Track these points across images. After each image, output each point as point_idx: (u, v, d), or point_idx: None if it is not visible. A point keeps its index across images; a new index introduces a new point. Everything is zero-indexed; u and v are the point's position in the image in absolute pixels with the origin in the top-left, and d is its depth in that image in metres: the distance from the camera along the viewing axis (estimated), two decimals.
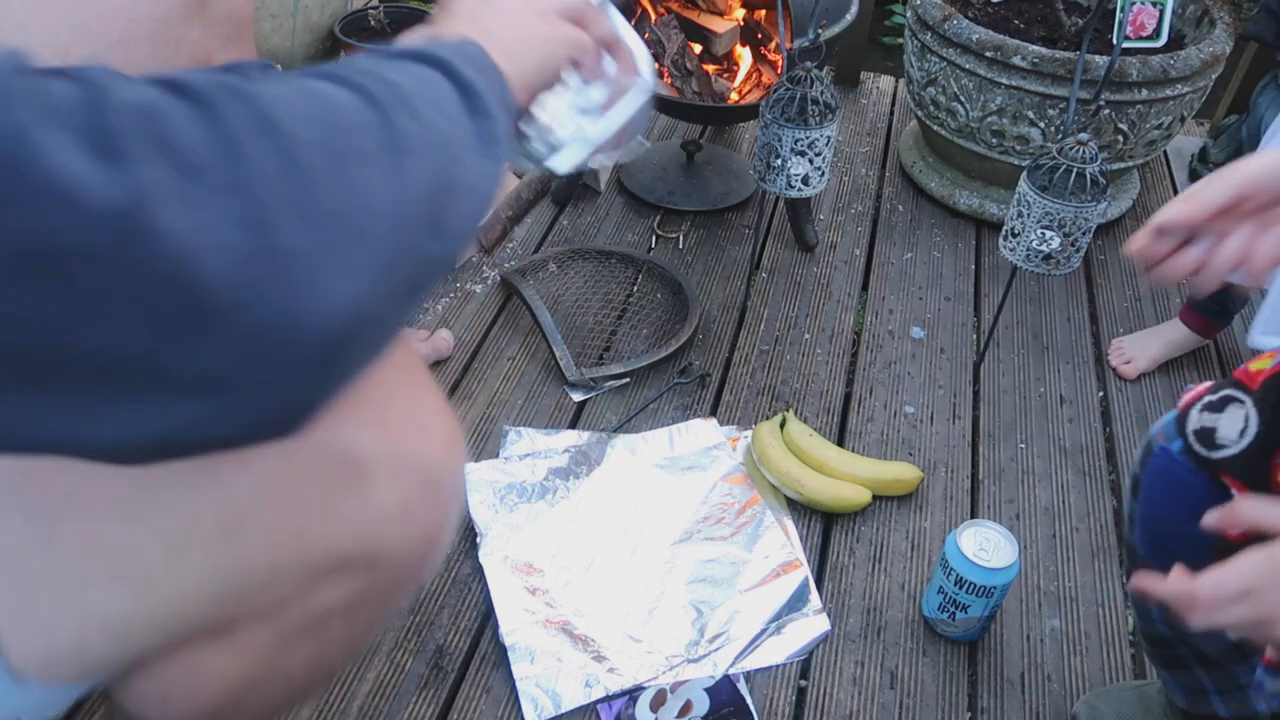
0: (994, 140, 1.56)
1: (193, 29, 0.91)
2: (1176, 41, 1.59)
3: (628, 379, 1.32)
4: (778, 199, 1.67)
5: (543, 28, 0.62)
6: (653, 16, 1.58)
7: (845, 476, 1.17)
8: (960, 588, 0.98)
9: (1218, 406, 0.71)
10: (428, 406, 0.59)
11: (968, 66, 1.51)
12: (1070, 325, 1.48)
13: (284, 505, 0.53)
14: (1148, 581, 0.59)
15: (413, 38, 0.59)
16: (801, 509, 1.17)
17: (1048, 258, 1.15)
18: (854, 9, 1.44)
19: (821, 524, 1.16)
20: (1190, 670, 0.81)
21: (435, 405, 0.60)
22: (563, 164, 0.64)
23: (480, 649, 1.01)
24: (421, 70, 0.52)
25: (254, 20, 1.82)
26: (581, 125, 0.65)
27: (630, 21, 1.58)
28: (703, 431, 1.24)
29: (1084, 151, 1.09)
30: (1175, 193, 1.81)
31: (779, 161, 1.23)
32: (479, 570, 1.06)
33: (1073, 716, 0.97)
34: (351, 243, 0.43)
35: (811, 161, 1.23)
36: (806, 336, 1.43)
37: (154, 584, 0.52)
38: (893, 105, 2.03)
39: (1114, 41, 1.16)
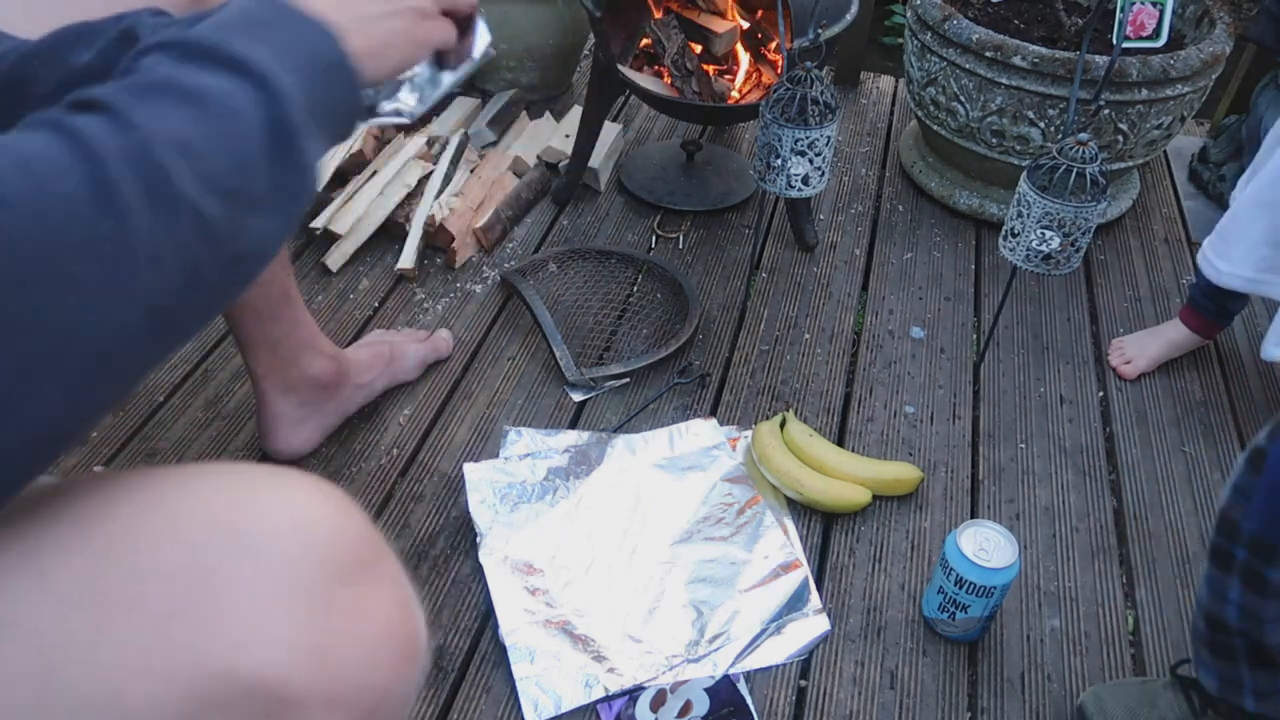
0: (994, 140, 1.56)
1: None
2: (1176, 41, 1.59)
3: (628, 379, 1.32)
4: (778, 199, 1.67)
5: (416, 31, 0.62)
6: (657, 13, 1.58)
7: (845, 476, 1.17)
8: (960, 588, 0.98)
9: None
10: (380, 617, 0.52)
11: (968, 66, 1.51)
12: (1070, 325, 1.48)
13: None
14: None
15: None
16: (801, 509, 1.17)
17: (1048, 258, 1.15)
18: (854, 9, 1.44)
19: (821, 524, 1.16)
20: (1236, 663, 0.81)
21: (389, 616, 0.53)
22: (404, 117, 0.67)
23: (480, 649, 1.01)
24: (223, 93, 0.48)
25: None
26: (425, 93, 0.68)
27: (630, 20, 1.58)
28: (703, 431, 1.24)
29: (1084, 151, 1.09)
30: (1175, 193, 1.82)
31: (779, 161, 1.23)
32: (479, 570, 1.06)
33: (1078, 707, 0.97)
34: (36, 379, 0.41)
35: (811, 161, 1.23)
36: (806, 336, 1.43)
37: None
38: (893, 105, 2.03)
39: (1114, 41, 1.16)
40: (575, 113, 1.78)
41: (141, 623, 0.46)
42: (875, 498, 1.17)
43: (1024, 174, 1.14)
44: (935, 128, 1.64)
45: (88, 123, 0.43)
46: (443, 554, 1.10)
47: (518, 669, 0.97)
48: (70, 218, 0.41)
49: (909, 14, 1.64)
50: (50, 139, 0.42)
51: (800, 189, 1.25)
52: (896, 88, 2.09)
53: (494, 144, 1.77)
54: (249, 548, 0.48)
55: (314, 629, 0.48)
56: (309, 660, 0.48)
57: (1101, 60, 1.43)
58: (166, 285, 0.45)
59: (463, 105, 1.85)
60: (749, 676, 1.00)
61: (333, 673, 0.49)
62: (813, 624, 1.05)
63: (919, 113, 1.69)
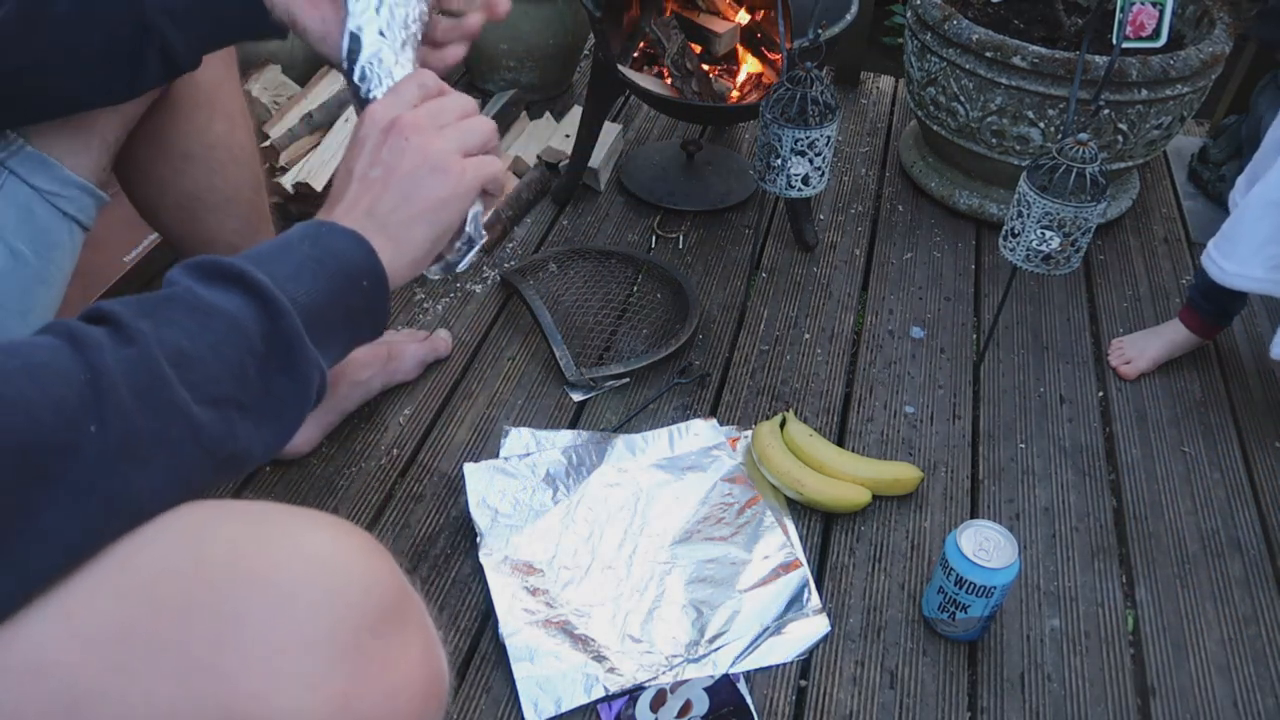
0: (994, 140, 1.56)
1: None
2: (1176, 41, 1.59)
3: (628, 379, 1.32)
4: (778, 199, 1.67)
5: (441, 191, 0.64)
6: (667, 8, 1.57)
7: (845, 476, 1.17)
8: (960, 588, 0.98)
9: None
10: (404, 663, 0.52)
11: (968, 66, 1.51)
12: (1070, 325, 1.48)
13: None
14: None
15: (289, 233, 0.60)
16: (801, 509, 1.17)
17: (1047, 258, 1.15)
18: (854, 9, 1.44)
19: (821, 524, 1.16)
20: None
21: (413, 661, 0.53)
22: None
23: (480, 649, 1.01)
24: (228, 308, 0.52)
25: None
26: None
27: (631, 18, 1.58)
28: (703, 432, 1.24)
29: (1084, 151, 1.09)
30: (1175, 193, 1.82)
31: (779, 161, 1.23)
32: (478, 570, 1.06)
33: None
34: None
35: (811, 161, 1.23)
36: (806, 336, 1.43)
37: None
38: (893, 105, 2.04)
39: (1114, 41, 1.16)
40: (575, 113, 1.78)
41: (167, 667, 0.46)
42: (875, 498, 1.17)
43: (1024, 174, 1.14)
44: (935, 128, 1.64)
45: (97, 334, 0.48)
46: (443, 554, 1.10)
47: (518, 669, 0.97)
48: (59, 420, 0.44)
49: (909, 14, 1.64)
50: (60, 347, 0.46)
51: (800, 189, 1.25)
52: (896, 88, 2.09)
53: None
54: (276, 594, 0.48)
55: (339, 677, 0.48)
56: (333, 708, 0.48)
57: (1101, 60, 1.43)
58: (150, 485, 0.48)
59: None
60: (749, 676, 1.00)
61: (356, 719, 0.49)
62: (813, 624, 1.05)
63: (919, 113, 1.69)
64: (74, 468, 0.44)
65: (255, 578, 0.49)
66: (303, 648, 0.48)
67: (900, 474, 1.18)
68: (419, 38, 0.73)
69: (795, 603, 1.06)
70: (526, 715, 0.94)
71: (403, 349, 1.29)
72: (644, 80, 1.53)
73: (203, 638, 0.47)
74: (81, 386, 0.45)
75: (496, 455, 1.21)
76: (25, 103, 0.73)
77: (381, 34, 0.69)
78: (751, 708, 0.96)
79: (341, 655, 0.49)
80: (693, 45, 1.57)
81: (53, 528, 0.45)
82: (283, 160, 1.55)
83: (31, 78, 0.70)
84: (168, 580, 0.48)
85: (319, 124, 1.62)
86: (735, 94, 1.57)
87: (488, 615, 1.03)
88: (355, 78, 0.69)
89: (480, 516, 1.11)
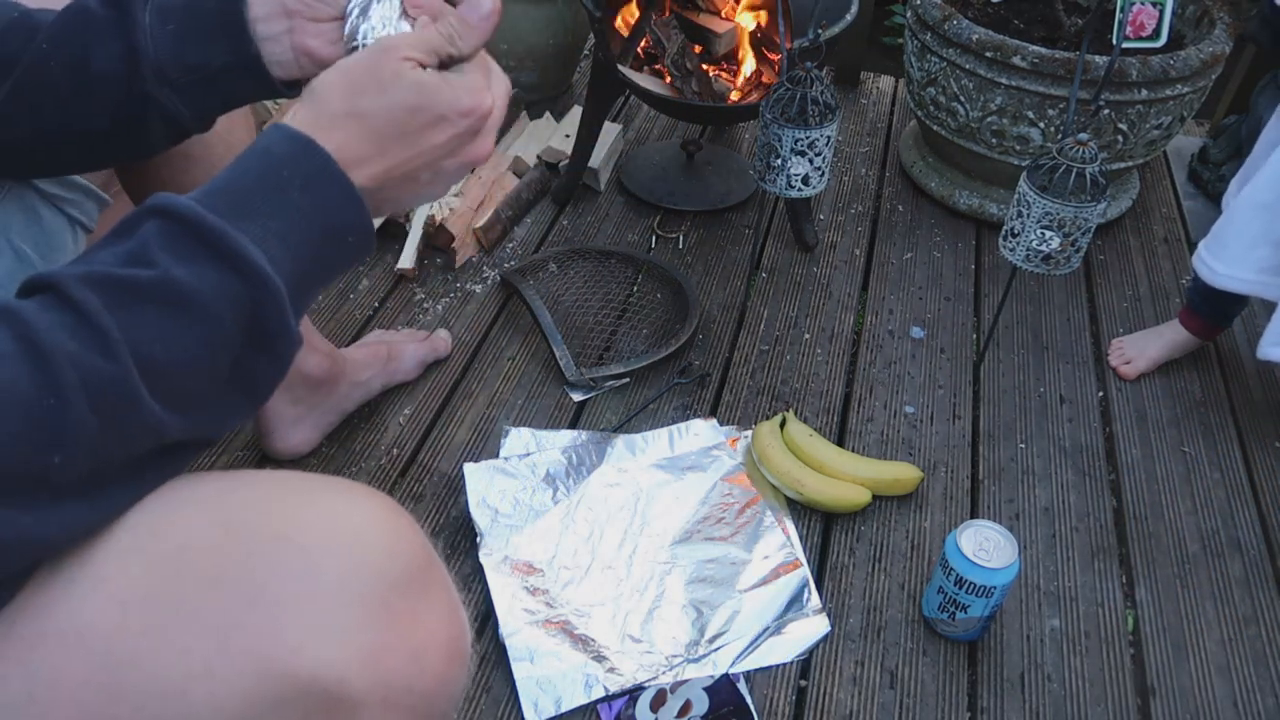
0: (994, 140, 1.56)
1: None
2: (1176, 41, 1.59)
3: (628, 379, 1.32)
4: (778, 199, 1.67)
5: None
6: (667, 8, 1.57)
7: (845, 476, 1.17)
8: (960, 588, 0.98)
9: None
10: (431, 623, 0.54)
11: (968, 66, 1.51)
12: (1070, 325, 1.48)
13: None
14: None
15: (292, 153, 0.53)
16: (801, 509, 1.17)
17: (1047, 258, 1.15)
18: (854, 9, 1.44)
19: (821, 524, 1.16)
20: None
21: (438, 621, 0.55)
22: None
23: (480, 649, 1.01)
24: (209, 295, 0.48)
25: None
26: None
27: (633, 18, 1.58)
28: (703, 432, 1.24)
29: (1084, 151, 1.09)
30: (1175, 193, 1.82)
31: (779, 161, 1.23)
32: (479, 570, 1.06)
33: None
34: None
35: (811, 161, 1.23)
36: (806, 336, 1.43)
37: None
38: (893, 105, 2.03)
39: (1114, 41, 1.16)
40: (575, 113, 1.78)
41: (202, 629, 0.48)
42: (875, 498, 1.17)
43: (1024, 174, 1.14)
44: (935, 128, 1.64)
45: (63, 341, 0.44)
46: (443, 554, 1.09)
47: (518, 669, 0.97)
48: (22, 453, 0.43)
49: (909, 14, 1.64)
50: (20, 362, 0.43)
51: (800, 189, 1.25)
52: (896, 88, 2.09)
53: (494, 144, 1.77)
54: (305, 556, 0.50)
55: (370, 633, 0.50)
56: (365, 663, 0.49)
57: (1101, 60, 1.43)
58: (114, 504, 0.48)
59: None
60: (749, 676, 0.99)
61: (387, 675, 0.50)
62: (813, 624, 1.05)
63: (919, 113, 1.69)
64: (41, 498, 0.44)
65: (284, 541, 0.50)
66: (334, 606, 0.49)
67: (900, 474, 1.18)
68: None
69: (795, 603, 1.06)
70: (526, 715, 0.94)
71: (402, 349, 1.29)
72: (644, 80, 1.53)
73: (236, 598, 0.48)
74: (42, 417, 0.43)
75: (496, 455, 1.21)
76: (33, 168, 0.73)
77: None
78: (751, 708, 0.96)
79: (371, 613, 0.50)
80: (693, 45, 1.57)
81: (16, 545, 0.44)
82: None
83: (35, 151, 0.69)
84: (199, 545, 0.49)
85: None
86: (735, 94, 1.57)
87: (488, 615, 1.03)
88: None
89: (480, 516, 1.11)
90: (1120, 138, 1.51)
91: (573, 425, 1.27)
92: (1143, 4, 1.29)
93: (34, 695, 0.44)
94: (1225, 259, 1.22)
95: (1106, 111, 1.46)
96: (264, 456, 1.17)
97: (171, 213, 0.49)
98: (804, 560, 1.10)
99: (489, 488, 1.14)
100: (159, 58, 0.64)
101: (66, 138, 0.68)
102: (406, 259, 1.47)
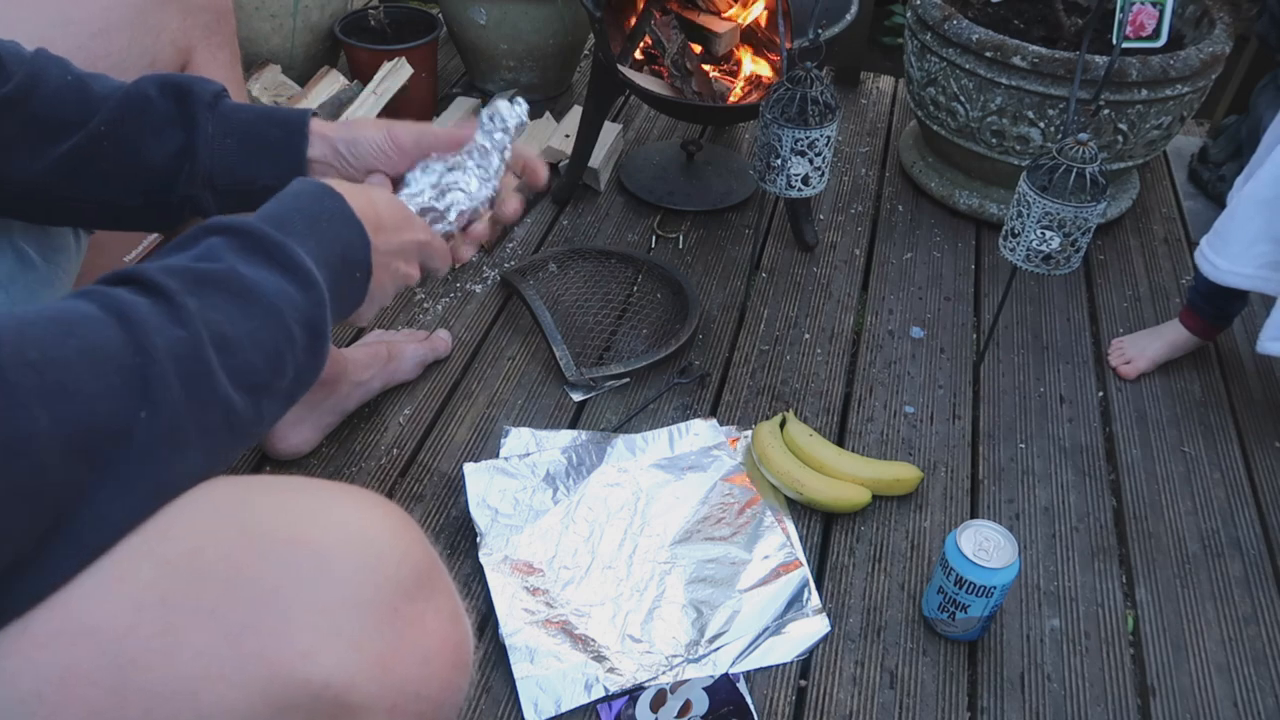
0: (994, 140, 1.56)
1: (171, 17, 0.91)
2: (1176, 41, 1.59)
3: (628, 379, 1.32)
4: (778, 199, 1.67)
5: (406, 279, 0.72)
6: (657, 13, 1.58)
7: (845, 476, 1.17)
8: (960, 588, 0.98)
9: None
10: (437, 629, 0.55)
11: (968, 66, 1.51)
12: (1070, 325, 1.48)
13: None
14: None
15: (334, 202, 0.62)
16: (801, 509, 1.17)
17: (1048, 258, 1.15)
18: (854, 9, 1.44)
19: (821, 524, 1.16)
20: None
21: (443, 628, 0.56)
22: None
23: (480, 649, 1.01)
24: (273, 291, 0.54)
25: (254, 20, 1.82)
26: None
27: (633, 19, 1.58)
28: (703, 431, 1.24)
29: (1084, 151, 1.09)
30: (1175, 193, 1.82)
31: (779, 161, 1.23)
32: (478, 570, 1.06)
33: None
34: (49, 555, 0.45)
35: (811, 161, 1.23)
36: (806, 336, 1.43)
37: None
38: (893, 105, 2.04)
39: (1114, 41, 1.16)
40: (575, 113, 1.78)
41: (215, 631, 0.48)
42: (875, 498, 1.17)
43: (1024, 174, 1.14)
44: (935, 128, 1.64)
45: (147, 312, 0.48)
46: (443, 554, 1.10)
47: (518, 669, 0.97)
48: (113, 407, 0.45)
49: (909, 14, 1.64)
50: (107, 323, 0.47)
51: (800, 189, 1.25)
52: (896, 88, 2.09)
53: None
54: (316, 561, 0.50)
55: (378, 639, 0.50)
56: (373, 669, 0.50)
57: (1101, 60, 1.43)
58: (187, 469, 0.49)
59: (463, 105, 1.85)
60: (749, 676, 1.00)
61: (395, 681, 0.51)
62: (813, 624, 1.05)
63: (919, 113, 1.69)
64: (125, 454, 0.46)
65: (295, 545, 0.51)
66: (345, 611, 0.50)
67: (900, 474, 1.18)
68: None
69: (795, 603, 1.06)
70: (526, 715, 0.94)
71: (402, 349, 1.29)
72: (644, 80, 1.53)
73: (250, 600, 0.49)
74: (132, 372, 0.46)
75: (496, 455, 1.21)
76: (46, 216, 0.77)
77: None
78: (751, 707, 0.96)
79: (381, 619, 0.51)
80: (693, 45, 1.57)
81: (105, 512, 0.46)
82: None
83: (67, 213, 0.75)
84: (211, 548, 0.50)
85: None
86: (735, 94, 1.57)
87: (488, 615, 1.03)
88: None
89: (480, 516, 1.11)
90: (1120, 138, 1.51)
91: (573, 425, 1.27)
92: (1143, 4, 1.30)
93: (43, 694, 0.45)
94: (1227, 254, 1.23)
95: (1106, 111, 1.46)
96: (264, 456, 1.17)
97: (233, 228, 0.55)
98: (804, 560, 1.10)
99: (489, 488, 1.14)
100: (212, 167, 0.71)
101: (96, 204, 0.72)
102: None
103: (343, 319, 0.65)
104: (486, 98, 1.88)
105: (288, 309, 0.54)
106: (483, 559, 1.07)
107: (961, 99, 1.55)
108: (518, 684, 0.96)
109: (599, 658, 0.99)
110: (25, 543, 0.44)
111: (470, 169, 0.77)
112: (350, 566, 0.51)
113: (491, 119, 0.78)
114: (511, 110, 0.79)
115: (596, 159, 1.67)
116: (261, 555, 0.50)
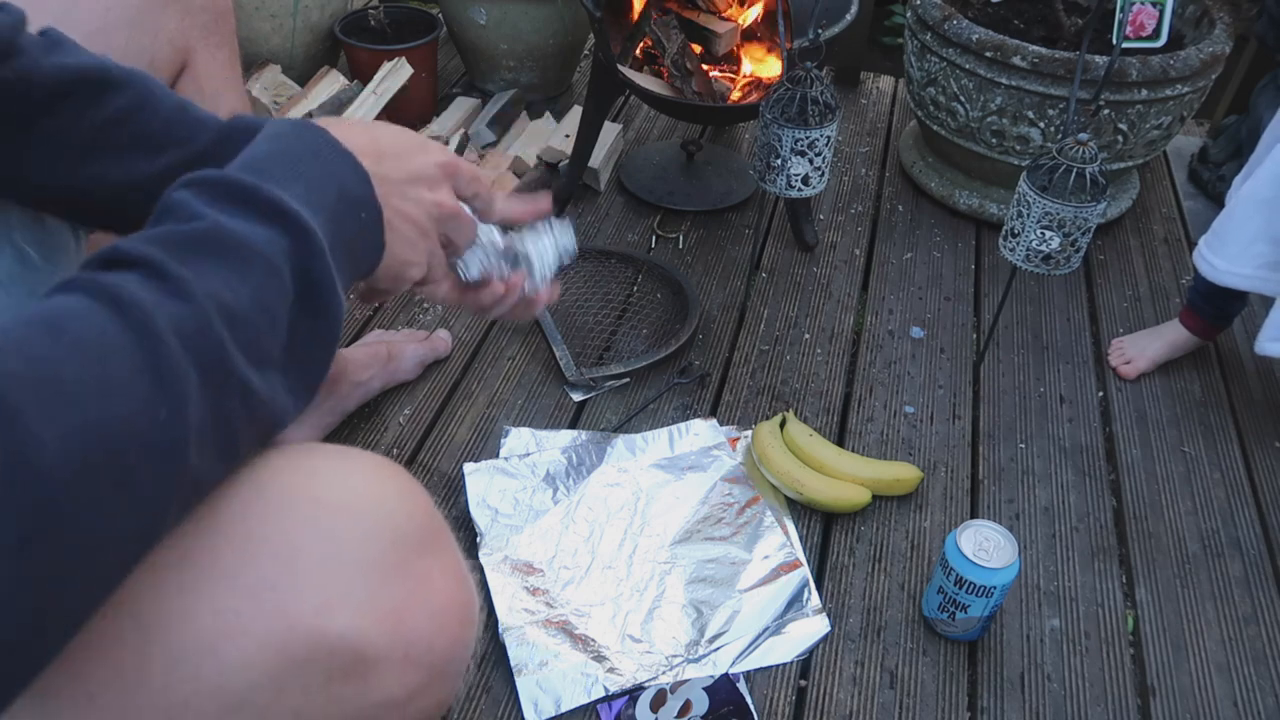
0: (994, 140, 1.56)
1: (170, 17, 0.91)
2: (1176, 41, 1.59)
3: (628, 379, 1.32)
4: (778, 199, 1.67)
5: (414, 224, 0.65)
6: (656, 13, 1.57)
7: (845, 476, 1.17)
8: (960, 588, 0.98)
9: None
10: (444, 586, 0.56)
11: (968, 66, 1.51)
12: (1070, 325, 1.48)
13: (284, 692, 0.50)
14: None
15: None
16: (801, 509, 1.17)
17: (1047, 258, 1.15)
18: (854, 9, 1.44)
19: (821, 524, 1.16)
20: None
21: (451, 585, 0.57)
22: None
23: (480, 649, 1.01)
24: (262, 243, 0.47)
25: (254, 20, 1.82)
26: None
27: (632, 19, 1.58)
28: (703, 432, 1.24)
29: (1084, 151, 1.09)
30: (1175, 193, 1.82)
31: (779, 161, 1.23)
32: (479, 570, 1.06)
33: None
34: (66, 582, 0.39)
35: (811, 161, 1.23)
36: (806, 336, 1.43)
37: None
38: (893, 105, 2.03)
39: (1114, 41, 1.16)
40: (575, 113, 1.78)
41: (233, 588, 0.49)
42: (875, 498, 1.17)
43: (1024, 174, 1.14)
44: (935, 128, 1.64)
45: (136, 289, 0.41)
46: None
47: (518, 669, 0.97)
48: (132, 409, 0.39)
49: (909, 14, 1.64)
50: (101, 314, 0.40)
51: (800, 189, 1.25)
52: (896, 88, 2.09)
53: (494, 144, 1.77)
54: (329, 520, 0.51)
55: (390, 594, 0.52)
56: (386, 623, 0.51)
57: (1101, 60, 1.43)
58: (212, 475, 0.46)
59: (463, 105, 1.85)
60: (749, 676, 1.00)
61: (407, 634, 0.53)
62: (813, 624, 1.05)
63: (919, 113, 1.69)
64: (149, 464, 0.40)
65: (309, 505, 0.52)
66: (358, 568, 0.51)
67: (900, 474, 1.18)
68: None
69: (795, 603, 1.06)
70: (526, 715, 0.94)
71: (402, 349, 1.29)
72: (644, 80, 1.53)
73: (266, 559, 0.49)
74: (144, 365, 0.40)
75: (496, 455, 1.21)
76: (70, 214, 0.72)
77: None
78: (751, 707, 0.96)
79: (392, 575, 0.52)
80: (693, 45, 1.57)
81: (133, 531, 0.41)
82: None
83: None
84: (227, 509, 0.50)
85: None
86: (735, 94, 1.57)
87: (488, 615, 1.03)
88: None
89: (480, 516, 1.11)
90: (1120, 138, 1.51)
91: (573, 425, 1.27)
92: (1143, 4, 1.30)
93: (70, 652, 0.45)
94: (1225, 255, 1.23)
95: (1106, 111, 1.46)
96: None
97: (199, 179, 0.49)
98: (804, 560, 1.10)
99: (489, 488, 1.14)
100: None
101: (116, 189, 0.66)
102: None
103: (364, 273, 0.59)
104: (487, 97, 1.88)
105: (281, 262, 0.47)
106: (483, 559, 1.07)
107: (961, 99, 1.55)
108: (518, 684, 0.96)
109: (599, 658, 0.99)
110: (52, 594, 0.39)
111: (545, 243, 0.79)
112: (362, 525, 0.52)
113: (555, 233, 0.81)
114: (569, 242, 0.82)
115: (596, 159, 1.67)
116: (277, 515, 0.51)
